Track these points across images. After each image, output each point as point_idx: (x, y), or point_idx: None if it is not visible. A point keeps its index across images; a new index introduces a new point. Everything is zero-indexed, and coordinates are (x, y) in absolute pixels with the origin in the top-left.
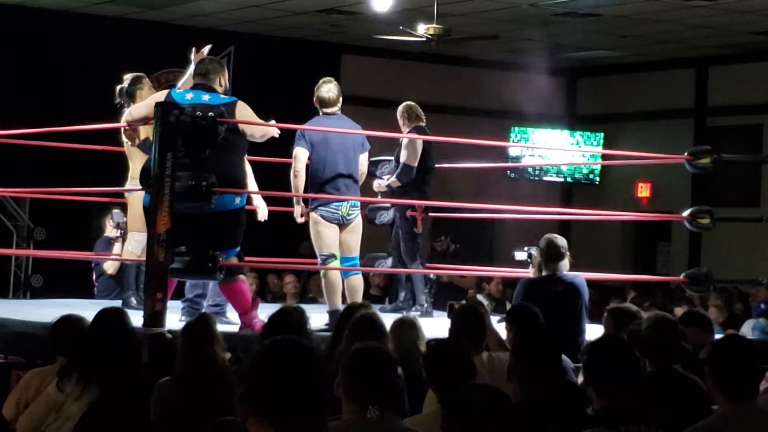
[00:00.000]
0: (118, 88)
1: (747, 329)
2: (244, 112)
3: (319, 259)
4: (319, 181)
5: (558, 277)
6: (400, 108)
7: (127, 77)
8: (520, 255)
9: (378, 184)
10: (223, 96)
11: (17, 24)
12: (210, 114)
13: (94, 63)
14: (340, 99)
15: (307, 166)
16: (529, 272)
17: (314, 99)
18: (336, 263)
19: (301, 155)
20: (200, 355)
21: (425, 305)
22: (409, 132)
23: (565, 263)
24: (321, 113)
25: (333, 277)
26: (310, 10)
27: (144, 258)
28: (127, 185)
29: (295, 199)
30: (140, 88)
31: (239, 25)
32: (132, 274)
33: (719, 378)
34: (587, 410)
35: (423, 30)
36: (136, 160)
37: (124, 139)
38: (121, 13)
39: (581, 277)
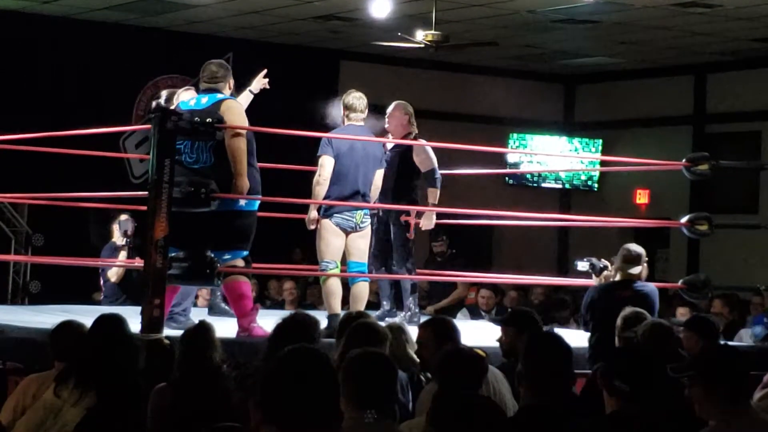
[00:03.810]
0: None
1: (746, 336)
2: (227, 112)
3: (320, 265)
4: (338, 189)
5: (627, 283)
6: (402, 107)
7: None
8: (582, 265)
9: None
10: (219, 96)
11: (15, 29)
12: (208, 120)
13: (93, 69)
14: (366, 110)
15: None
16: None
17: (342, 107)
18: (336, 270)
19: (327, 163)
20: (198, 361)
21: (413, 309)
22: (406, 135)
23: (638, 269)
24: (345, 122)
25: (332, 282)
26: (309, 16)
27: None
28: None
29: (311, 204)
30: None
31: (238, 32)
32: None
33: (712, 387)
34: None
35: (421, 36)
36: None
37: None
38: (120, 19)
39: (652, 285)
